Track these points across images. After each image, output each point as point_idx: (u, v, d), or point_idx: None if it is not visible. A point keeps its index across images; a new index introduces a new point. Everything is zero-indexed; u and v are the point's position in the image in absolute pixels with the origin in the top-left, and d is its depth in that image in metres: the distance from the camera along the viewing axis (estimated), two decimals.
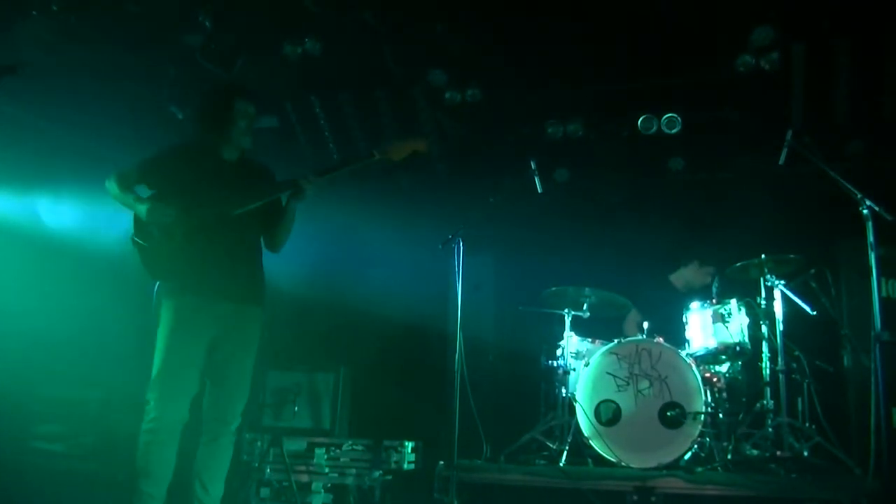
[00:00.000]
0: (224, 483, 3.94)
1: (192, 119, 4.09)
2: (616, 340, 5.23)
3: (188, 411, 3.81)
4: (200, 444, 3.91)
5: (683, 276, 6.16)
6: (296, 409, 5.82)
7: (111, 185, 3.96)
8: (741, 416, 5.20)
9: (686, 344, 5.32)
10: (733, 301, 5.21)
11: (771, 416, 4.94)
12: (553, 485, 4.69)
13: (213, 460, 3.88)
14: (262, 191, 3.99)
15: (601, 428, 4.95)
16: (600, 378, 5.09)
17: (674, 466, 4.74)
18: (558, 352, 5.54)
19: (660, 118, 6.14)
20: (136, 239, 3.90)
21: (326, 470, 5.45)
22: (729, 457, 4.80)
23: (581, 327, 5.62)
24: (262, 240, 4.14)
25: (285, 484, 5.35)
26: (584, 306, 5.62)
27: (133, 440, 3.80)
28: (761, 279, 5.20)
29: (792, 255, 5.12)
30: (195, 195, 3.87)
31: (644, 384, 4.99)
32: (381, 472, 5.36)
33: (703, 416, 4.84)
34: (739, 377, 5.47)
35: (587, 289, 5.55)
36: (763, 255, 5.11)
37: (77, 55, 5.65)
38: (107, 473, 5.36)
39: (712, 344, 5.19)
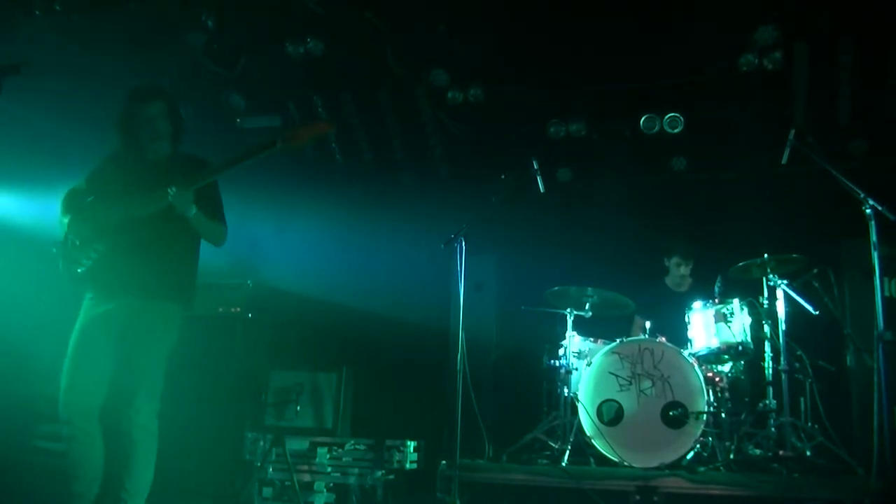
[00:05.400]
0: (151, 470, 3.78)
1: (112, 127, 4.07)
2: (618, 340, 5.22)
3: (98, 408, 3.77)
4: None
5: (671, 275, 6.18)
6: (298, 408, 5.81)
7: (59, 206, 3.98)
8: (744, 415, 5.19)
9: (688, 344, 5.31)
10: (736, 301, 5.20)
11: (773, 415, 4.93)
12: (555, 484, 4.68)
13: (119, 453, 3.73)
14: (154, 198, 3.82)
15: (603, 427, 4.95)
16: (602, 378, 5.08)
17: (676, 466, 4.73)
18: (560, 351, 5.54)
19: (662, 118, 6.14)
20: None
21: (329, 469, 5.45)
22: (731, 456, 4.79)
23: (583, 327, 5.61)
24: (190, 235, 3.99)
25: (288, 483, 5.35)
26: (587, 306, 5.61)
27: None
28: (764, 279, 5.19)
29: (795, 255, 5.11)
30: (114, 199, 3.87)
31: (646, 384, 4.99)
32: (383, 471, 5.37)
33: (705, 415, 4.83)
34: (742, 377, 5.46)
35: (589, 288, 5.54)
36: (766, 255, 5.10)
37: (79, 54, 5.66)
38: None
39: (715, 344, 5.18)
